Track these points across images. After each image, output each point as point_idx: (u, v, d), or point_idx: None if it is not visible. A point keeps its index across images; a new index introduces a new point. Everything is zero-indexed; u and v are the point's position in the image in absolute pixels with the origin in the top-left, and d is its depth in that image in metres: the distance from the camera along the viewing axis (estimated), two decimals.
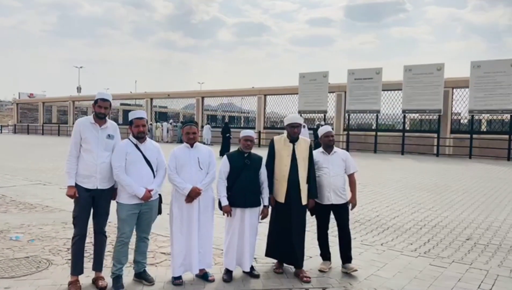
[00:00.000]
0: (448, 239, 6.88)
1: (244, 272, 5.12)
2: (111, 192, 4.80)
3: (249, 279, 5.00)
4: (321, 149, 5.53)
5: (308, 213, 5.32)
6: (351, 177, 5.55)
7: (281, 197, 5.08)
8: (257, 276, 5.05)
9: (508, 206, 9.63)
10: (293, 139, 5.17)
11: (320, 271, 5.24)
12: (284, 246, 5.08)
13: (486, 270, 5.46)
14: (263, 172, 5.15)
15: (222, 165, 5.07)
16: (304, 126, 20.62)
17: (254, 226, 5.12)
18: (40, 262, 5.44)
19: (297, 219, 5.07)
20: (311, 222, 6.00)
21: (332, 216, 5.44)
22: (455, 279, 5.12)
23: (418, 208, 9.33)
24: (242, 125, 43.99)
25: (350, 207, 5.48)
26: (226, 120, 45.41)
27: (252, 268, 5.11)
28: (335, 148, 5.54)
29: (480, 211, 9.03)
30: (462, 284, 4.98)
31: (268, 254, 5.30)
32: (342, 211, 5.41)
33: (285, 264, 5.29)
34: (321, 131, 5.54)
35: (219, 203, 5.03)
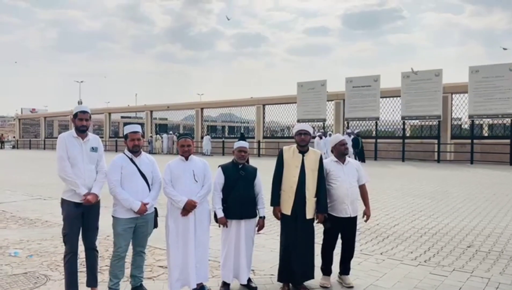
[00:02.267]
0: (449, 247, 6.82)
1: (241, 284, 5.07)
2: (99, 207, 4.78)
3: None
4: (333, 158, 5.33)
5: (316, 227, 5.16)
6: (363, 188, 5.39)
7: (287, 209, 4.95)
8: (254, 289, 5.00)
9: (510, 212, 9.56)
10: (303, 150, 5.05)
11: (323, 287, 5.09)
12: (288, 264, 4.92)
13: (487, 278, 5.39)
14: (258, 183, 5.11)
15: (217, 177, 5.04)
16: (330, 135, 20.56)
17: (251, 238, 5.07)
18: (38, 277, 5.42)
19: (303, 233, 4.93)
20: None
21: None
22: (456, 288, 5.06)
23: (418, 215, 9.27)
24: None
25: (365, 218, 5.35)
26: (226, 130, 45.37)
27: (249, 280, 5.06)
28: (347, 158, 5.39)
29: (481, 218, 8.96)
30: None
31: (281, 279, 5.04)
32: (353, 224, 5.26)
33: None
34: (335, 140, 5.37)
35: (215, 215, 4.99)
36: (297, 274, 4.89)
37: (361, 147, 18.67)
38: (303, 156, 5.00)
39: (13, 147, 55.26)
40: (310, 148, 5.13)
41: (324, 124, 29.15)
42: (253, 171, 5.14)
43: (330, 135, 20.80)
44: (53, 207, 10.37)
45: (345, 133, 20.92)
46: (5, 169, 22.65)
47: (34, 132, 58.43)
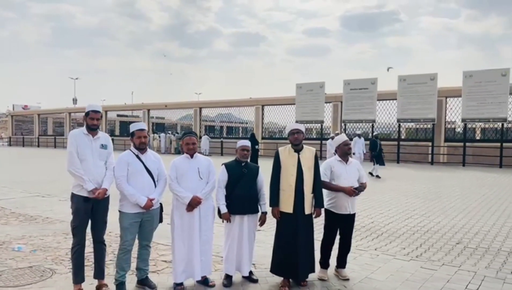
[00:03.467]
0: (439, 244, 7.10)
1: (243, 277, 5.31)
2: (108, 202, 4.97)
3: (248, 284, 5.19)
4: (337, 157, 5.56)
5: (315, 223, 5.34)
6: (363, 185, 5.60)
7: (288, 207, 5.08)
8: (255, 281, 5.24)
9: (497, 212, 9.88)
10: (297, 148, 5.23)
11: (321, 279, 5.34)
12: (290, 260, 5.08)
13: (474, 271, 5.69)
14: (260, 180, 5.35)
15: (221, 175, 5.26)
16: (360, 136, 19.95)
17: (253, 233, 5.32)
18: (43, 271, 5.59)
19: (303, 229, 5.10)
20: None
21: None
22: (444, 280, 5.35)
23: (411, 214, 9.55)
24: (240, 135, 44.17)
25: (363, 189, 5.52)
26: (225, 130, 45.31)
27: (251, 273, 5.31)
28: (349, 158, 5.61)
29: (470, 217, 9.26)
30: (450, 285, 5.20)
31: (273, 271, 5.26)
32: (352, 221, 5.51)
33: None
34: (339, 140, 5.59)
35: (219, 211, 5.22)
36: (301, 269, 5.08)
37: (379, 149, 17.99)
38: (298, 154, 5.19)
39: (9, 145, 55.04)
40: (304, 145, 5.30)
41: (322, 125, 29.36)
42: (256, 169, 5.39)
43: (359, 135, 20.38)
44: (53, 204, 10.58)
45: (355, 134, 20.40)
46: (1, 167, 22.72)
47: (27, 129, 58.11)
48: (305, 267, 5.11)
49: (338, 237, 5.55)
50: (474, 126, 28.03)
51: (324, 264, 5.50)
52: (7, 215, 9.26)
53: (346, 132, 23.83)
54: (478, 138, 28.53)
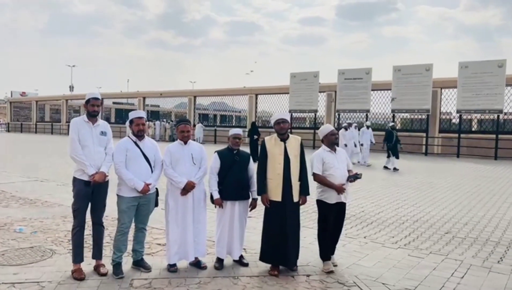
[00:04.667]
0: (428, 233, 7.29)
1: (234, 260, 5.51)
2: (108, 186, 5.17)
3: (238, 267, 5.39)
4: (326, 148, 5.59)
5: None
6: (350, 171, 5.68)
7: (277, 196, 5.19)
8: (246, 265, 5.45)
9: (488, 203, 10.07)
10: (283, 137, 5.34)
11: (327, 272, 5.28)
12: (280, 248, 5.23)
13: (460, 260, 5.87)
14: (251, 168, 5.54)
15: (213, 162, 5.45)
16: (368, 127, 19.54)
17: (244, 218, 5.52)
18: (44, 251, 5.81)
19: (291, 217, 5.24)
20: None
21: None
22: (431, 268, 5.53)
23: (402, 204, 9.75)
24: (233, 124, 44.29)
25: (360, 176, 5.62)
26: (218, 118, 45.16)
27: (241, 257, 5.52)
28: (336, 147, 5.68)
29: (461, 208, 9.45)
30: (436, 272, 5.39)
31: (263, 259, 5.36)
32: (344, 209, 5.63)
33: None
34: (325, 130, 5.64)
35: (211, 196, 5.42)
36: (291, 256, 5.25)
37: (395, 141, 17.06)
38: (284, 143, 5.32)
39: (8, 131, 55.12)
40: (289, 134, 5.44)
41: (315, 114, 29.53)
42: (247, 156, 5.58)
43: (356, 127, 19.95)
44: (51, 189, 10.78)
45: (364, 125, 19.99)
46: (0, 152, 22.88)
47: (25, 115, 58.23)
48: (294, 254, 5.28)
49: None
50: (470, 117, 28.19)
51: (326, 256, 5.52)
52: (8, 199, 9.47)
53: (368, 122, 22.45)
54: (474, 129, 28.70)
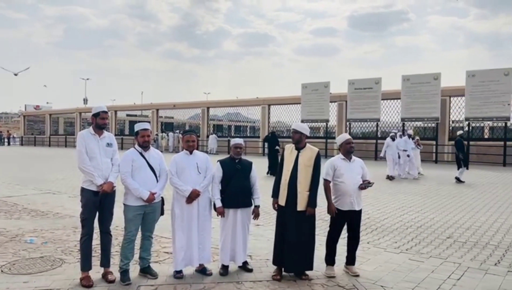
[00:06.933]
0: (430, 238, 7.41)
1: (239, 267, 5.67)
2: (114, 195, 5.37)
3: (243, 273, 5.55)
4: (341, 156, 5.73)
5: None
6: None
7: (282, 201, 5.42)
8: (250, 270, 5.61)
9: (492, 209, 10.16)
10: (298, 147, 5.53)
11: (329, 277, 5.44)
12: (281, 251, 5.41)
13: (458, 263, 6.00)
14: (254, 176, 5.72)
15: (216, 171, 5.64)
16: (400, 135, 17.86)
17: (246, 225, 5.68)
18: (54, 261, 6.00)
19: (292, 224, 5.37)
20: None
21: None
22: (429, 271, 5.67)
23: (407, 210, 9.86)
24: (248, 134, 44.46)
25: (371, 185, 5.75)
26: (233, 129, 45.09)
27: (245, 263, 5.68)
28: (352, 156, 5.81)
29: (465, 213, 9.56)
30: (434, 275, 5.52)
31: (275, 262, 5.54)
32: (358, 217, 5.72)
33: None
34: (342, 139, 5.78)
35: (214, 205, 5.59)
36: (288, 260, 5.39)
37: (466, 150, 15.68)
38: (298, 152, 5.51)
39: (21, 144, 55.78)
40: (308, 145, 5.59)
41: (327, 124, 29.66)
42: (249, 164, 5.76)
43: (411, 136, 18.09)
44: (63, 201, 11.00)
45: (405, 134, 18.34)
46: (13, 165, 23.28)
47: (39, 129, 58.90)
48: (294, 261, 5.37)
49: (346, 234, 5.77)
50: (482, 124, 28.15)
51: (330, 261, 5.63)
52: (20, 211, 9.67)
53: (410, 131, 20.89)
54: (486, 136, 28.64)
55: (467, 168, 15.65)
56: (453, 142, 24.97)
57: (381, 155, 16.73)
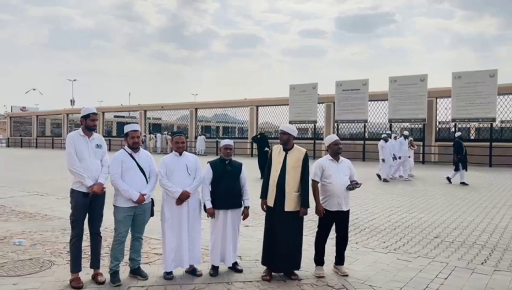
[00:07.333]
0: (418, 238, 7.50)
1: (229, 267, 5.70)
2: (104, 197, 5.36)
3: (233, 274, 5.58)
4: (329, 157, 5.77)
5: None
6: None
7: (270, 201, 5.45)
8: (240, 271, 5.64)
9: (478, 209, 10.29)
10: (286, 148, 5.56)
11: (318, 277, 5.48)
12: (269, 251, 5.45)
13: (446, 263, 6.08)
14: (243, 177, 5.74)
15: (206, 172, 5.66)
16: (406, 137, 17.46)
17: (236, 226, 5.71)
18: (43, 262, 5.98)
19: (281, 224, 5.40)
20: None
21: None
22: (417, 270, 5.74)
23: (395, 211, 9.96)
24: (236, 135, 44.46)
25: (359, 186, 5.83)
26: (221, 130, 44.99)
27: (235, 263, 5.71)
28: (340, 156, 5.85)
29: (451, 213, 9.68)
30: (422, 274, 5.60)
31: (264, 262, 5.57)
32: (346, 217, 5.77)
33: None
34: (330, 140, 5.83)
35: (204, 206, 5.61)
36: (277, 261, 5.43)
37: (465, 152, 15.36)
38: (286, 153, 5.55)
39: (7, 146, 55.27)
40: (296, 146, 5.63)
41: (315, 125, 29.78)
42: (239, 166, 5.78)
43: (407, 137, 17.82)
44: (51, 202, 10.95)
45: (402, 135, 17.89)
46: (0, 166, 23.05)
47: (25, 130, 58.43)
48: (282, 261, 5.42)
49: (334, 234, 5.81)
50: (468, 125, 28.41)
51: (319, 261, 5.68)
52: (8, 213, 9.62)
53: (406, 132, 20.36)
54: (472, 137, 28.93)
55: (466, 170, 15.50)
56: (440, 143, 25.44)
57: (381, 158, 16.44)
